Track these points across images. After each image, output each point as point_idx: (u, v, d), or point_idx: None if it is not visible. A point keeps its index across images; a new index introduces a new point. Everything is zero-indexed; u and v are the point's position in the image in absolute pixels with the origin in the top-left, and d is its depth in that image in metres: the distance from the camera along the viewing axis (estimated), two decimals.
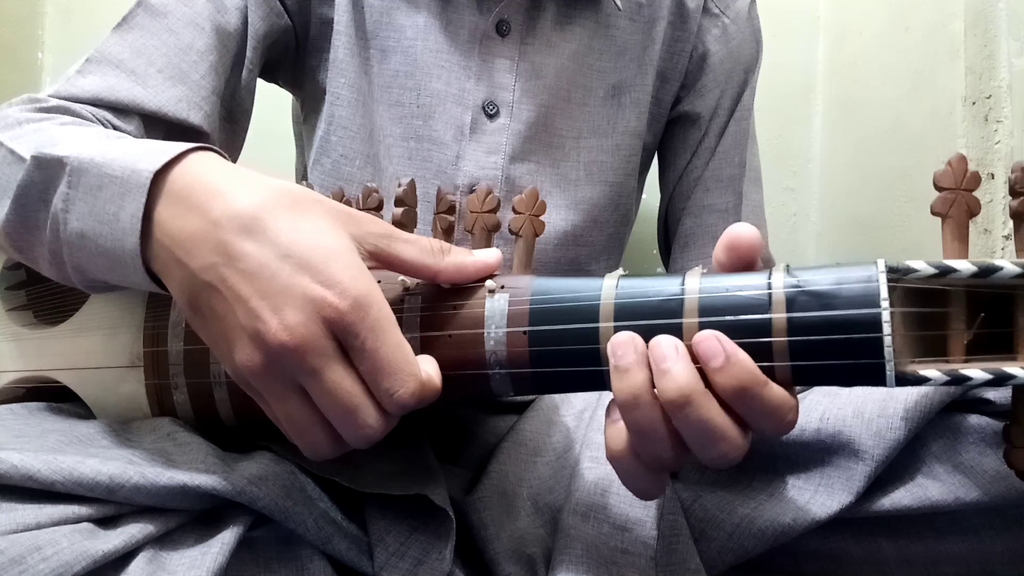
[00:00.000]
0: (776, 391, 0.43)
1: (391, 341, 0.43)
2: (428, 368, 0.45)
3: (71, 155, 0.50)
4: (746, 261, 0.45)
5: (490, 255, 0.50)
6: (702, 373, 0.43)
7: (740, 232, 0.45)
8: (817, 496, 0.53)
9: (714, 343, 0.42)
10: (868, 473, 0.52)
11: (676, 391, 0.42)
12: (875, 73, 1.18)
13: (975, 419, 0.53)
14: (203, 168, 0.48)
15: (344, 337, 0.43)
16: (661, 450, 0.44)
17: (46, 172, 0.52)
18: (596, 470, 0.58)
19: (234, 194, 0.45)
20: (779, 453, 0.55)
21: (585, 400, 0.67)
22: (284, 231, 0.44)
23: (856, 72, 1.23)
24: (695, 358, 0.43)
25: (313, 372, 0.42)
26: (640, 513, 0.55)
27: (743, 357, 0.42)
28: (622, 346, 0.44)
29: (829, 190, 1.28)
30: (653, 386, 0.43)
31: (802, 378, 0.43)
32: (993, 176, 0.95)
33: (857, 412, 0.54)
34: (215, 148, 0.51)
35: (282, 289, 0.42)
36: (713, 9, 0.87)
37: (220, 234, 0.44)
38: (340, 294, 0.42)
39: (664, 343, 0.43)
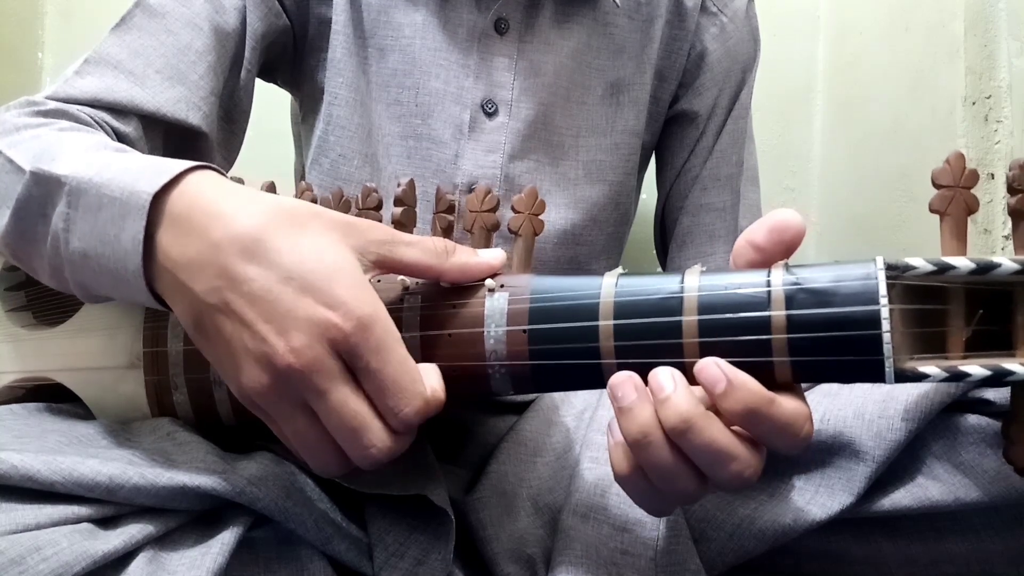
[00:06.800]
0: (785, 406, 0.42)
1: (395, 360, 0.43)
2: (432, 382, 0.45)
3: (70, 174, 0.50)
4: (787, 248, 0.45)
5: (494, 255, 0.50)
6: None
7: (788, 217, 0.45)
8: (817, 497, 0.53)
9: (714, 369, 0.42)
10: (868, 474, 0.52)
11: (676, 417, 0.42)
12: (875, 73, 1.18)
13: (975, 419, 0.53)
14: (202, 189, 0.48)
15: (349, 358, 0.43)
16: (685, 484, 0.43)
17: (45, 188, 0.51)
18: (596, 470, 0.58)
19: (234, 216, 0.45)
20: (780, 454, 0.55)
21: (585, 400, 0.67)
22: (285, 252, 0.44)
23: (856, 72, 1.23)
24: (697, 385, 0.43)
25: (320, 393, 0.43)
26: (640, 514, 0.55)
27: (745, 379, 0.42)
28: (621, 386, 0.44)
29: (829, 190, 1.28)
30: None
31: (802, 375, 0.43)
32: (993, 176, 0.95)
33: (858, 413, 0.54)
34: (213, 166, 0.50)
35: (286, 312, 0.42)
36: (711, 8, 0.87)
37: (222, 258, 0.44)
38: (344, 315, 0.42)
39: (661, 374, 0.43)
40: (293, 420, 0.44)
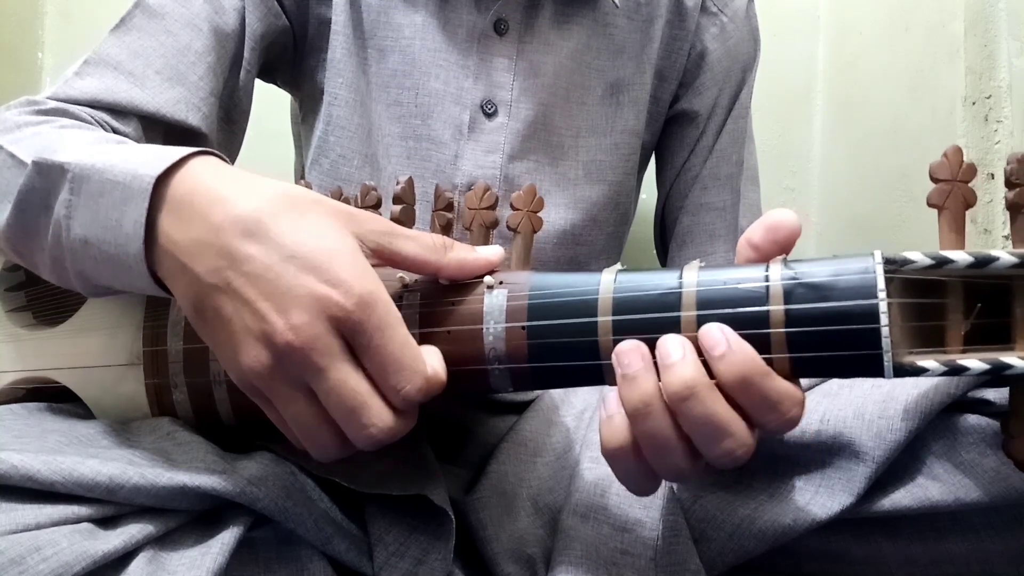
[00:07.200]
0: (779, 382, 0.43)
1: (397, 338, 0.43)
2: (433, 362, 0.45)
3: (72, 161, 0.50)
4: (782, 246, 0.45)
5: (493, 252, 0.50)
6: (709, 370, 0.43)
7: (783, 217, 0.45)
8: (818, 497, 0.53)
9: (717, 333, 0.43)
10: (869, 474, 0.52)
11: (680, 383, 0.42)
12: (875, 73, 1.18)
13: (975, 419, 0.52)
14: (204, 173, 0.48)
15: (351, 335, 0.43)
16: (677, 460, 0.44)
17: (47, 178, 0.52)
18: (596, 470, 0.58)
19: (236, 199, 0.45)
20: (780, 454, 0.55)
21: (585, 400, 0.67)
22: (287, 233, 0.44)
23: (856, 72, 1.23)
24: (699, 351, 0.43)
25: (319, 371, 0.43)
26: (640, 514, 0.55)
27: (745, 347, 0.42)
28: (627, 354, 0.44)
29: (829, 190, 1.28)
30: (662, 393, 0.43)
31: (800, 370, 0.43)
32: (993, 176, 0.95)
33: (858, 413, 0.54)
34: (216, 152, 0.51)
35: (287, 290, 0.43)
36: (711, 8, 0.87)
37: (223, 239, 0.44)
38: (345, 293, 0.42)
39: (670, 341, 0.43)
40: (292, 402, 0.44)
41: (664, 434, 0.43)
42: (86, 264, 0.51)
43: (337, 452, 0.46)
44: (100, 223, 0.49)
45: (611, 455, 0.45)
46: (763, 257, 0.46)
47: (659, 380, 0.43)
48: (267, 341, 0.43)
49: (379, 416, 0.43)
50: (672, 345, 0.43)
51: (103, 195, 0.49)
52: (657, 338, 0.44)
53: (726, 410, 0.42)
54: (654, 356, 0.44)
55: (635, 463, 0.45)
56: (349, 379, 0.43)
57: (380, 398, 0.44)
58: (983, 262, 0.41)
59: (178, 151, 0.49)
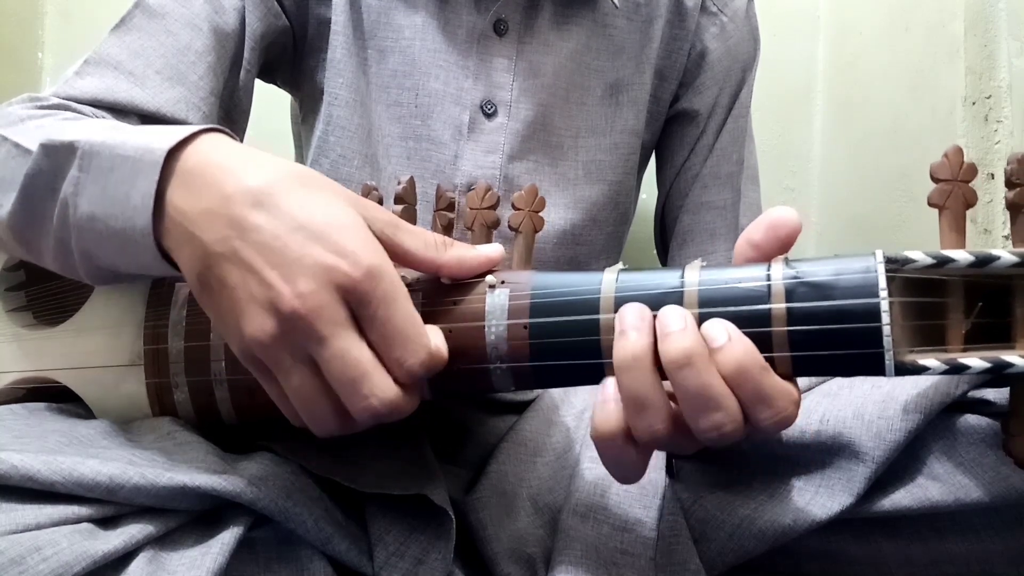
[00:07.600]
0: (775, 379, 0.43)
1: (403, 311, 0.44)
2: (436, 339, 0.45)
3: (81, 139, 0.51)
4: (783, 244, 0.46)
5: (492, 249, 0.50)
6: None
7: (784, 214, 0.46)
8: (817, 497, 0.53)
9: (719, 327, 0.43)
10: (868, 475, 0.52)
11: (679, 351, 0.42)
12: (875, 73, 1.18)
13: (975, 419, 0.52)
14: (215, 147, 0.48)
15: (356, 306, 0.43)
16: (655, 421, 0.43)
17: (55, 159, 0.52)
18: (596, 470, 0.57)
19: (246, 171, 0.46)
20: (779, 454, 0.55)
21: (585, 400, 0.67)
22: (296, 204, 0.44)
23: (856, 72, 1.23)
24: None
25: (322, 339, 0.43)
26: (640, 514, 0.55)
27: (746, 341, 0.42)
28: (629, 313, 0.44)
29: (829, 190, 1.29)
30: (654, 355, 0.43)
31: (802, 368, 0.43)
32: (993, 176, 0.95)
33: (857, 414, 0.54)
34: (225, 129, 0.51)
35: (294, 259, 0.43)
36: (711, 7, 0.87)
37: (233, 208, 0.45)
38: (353, 263, 0.43)
39: (672, 312, 0.44)
40: (293, 373, 0.44)
41: (645, 391, 0.43)
42: (91, 242, 0.51)
43: (337, 427, 0.46)
44: (108, 198, 0.49)
45: (601, 439, 0.45)
46: (764, 255, 0.46)
47: (655, 346, 0.43)
48: (273, 309, 0.43)
49: (381, 387, 0.43)
50: (674, 315, 0.43)
51: (113, 170, 0.49)
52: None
53: (720, 384, 0.42)
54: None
55: (625, 449, 0.45)
56: (352, 348, 0.43)
57: (383, 370, 0.44)
58: (984, 261, 0.41)
59: (188, 127, 0.49)
